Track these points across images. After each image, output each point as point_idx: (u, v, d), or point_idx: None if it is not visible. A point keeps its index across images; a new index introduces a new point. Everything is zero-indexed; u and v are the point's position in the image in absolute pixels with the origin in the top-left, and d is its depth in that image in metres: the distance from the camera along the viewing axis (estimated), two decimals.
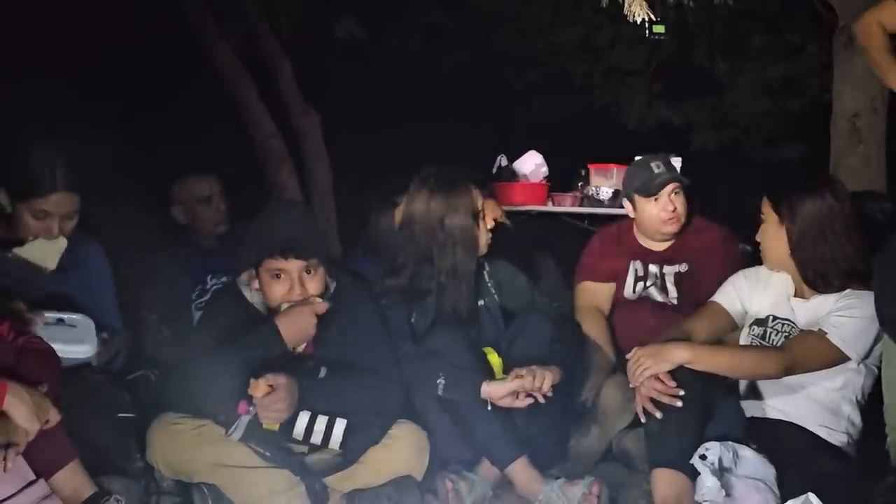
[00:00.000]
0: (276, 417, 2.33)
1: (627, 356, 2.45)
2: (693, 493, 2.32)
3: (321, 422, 2.38)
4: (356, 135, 5.88)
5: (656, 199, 3.03)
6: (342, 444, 2.40)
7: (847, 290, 2.46)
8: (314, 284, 2.47)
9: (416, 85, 6.39)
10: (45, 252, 2.57)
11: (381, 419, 2.46)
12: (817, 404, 2.48)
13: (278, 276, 2.44)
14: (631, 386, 2.43)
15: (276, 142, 5.44)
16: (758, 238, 2.61)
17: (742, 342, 2.64)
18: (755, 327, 2.61)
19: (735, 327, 2.67)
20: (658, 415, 2.36)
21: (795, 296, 2.58)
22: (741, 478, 2.29)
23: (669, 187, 3.03)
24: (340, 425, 2.38)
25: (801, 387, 2.49)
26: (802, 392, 2.49)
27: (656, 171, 3.03)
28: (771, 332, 2.57)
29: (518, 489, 2.56)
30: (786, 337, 2.53)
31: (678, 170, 3.22)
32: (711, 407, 2.46)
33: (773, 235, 2.54)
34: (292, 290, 2.44)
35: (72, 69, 4.53)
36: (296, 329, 2.43)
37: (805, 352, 2.42)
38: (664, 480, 2.36)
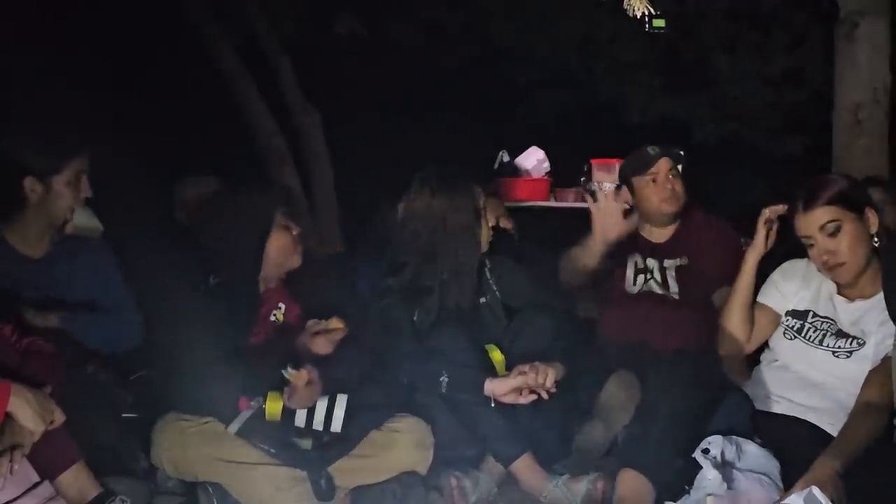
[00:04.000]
0: (305, 404, 2.37)
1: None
2: (652, 500, 2.34)
3: (321, 403, 2.38)
4: (357, 133, 5.89)
5: (654, 181, 3.06)
6: (344, 425, 2.39)
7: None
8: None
9: (417, 81, 6.38)
10: (90, 217, 2.62)
11: (380, 393, 2.48)
12: (840, 407, 2.42)
13: (287, 229, 2.55)
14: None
15: (277, 140, 5.45)
16: (822, 258, 2.41)
17: (775, 332, 2.60)
18: (791, 319, 2.56)
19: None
20: None
21: (838, 293, 2.50)
22: (744, 471, 2.28)
23: (665, 167, 3.06)
24: (341, 402, 2.38)
25: (828, 389, 2.45)
26: (829, 394, 2.44)
27: (651, 151, 3.09)
28: (809, 329, 2.51)
29: (522, 486, 2.56)
30: (822, 336, 2.48)
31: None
32: (709, 407, 2.45)
33: (858, 241, 2.39)
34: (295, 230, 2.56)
35: (71, 69, 4.53)
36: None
37: (886, 392, 2.30)
38: (628, 482, 2.37)
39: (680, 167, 3.14)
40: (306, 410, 2.38)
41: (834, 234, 2.39)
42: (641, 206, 3.13)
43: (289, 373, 2.33)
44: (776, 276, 2.64)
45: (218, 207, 2.61)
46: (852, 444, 2.27)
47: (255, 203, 2.54)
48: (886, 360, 2.32)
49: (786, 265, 2.64)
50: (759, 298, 2.64)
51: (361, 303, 2.66)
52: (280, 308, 2.60)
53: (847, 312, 2.48)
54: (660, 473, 2.36)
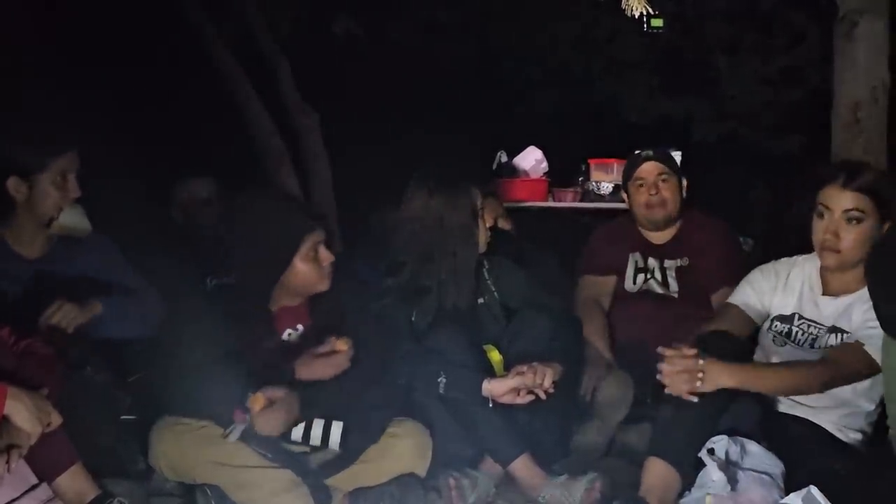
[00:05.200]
0: (273, 430, 2.33)
1: (663, 365, 2.29)
2: (677, 491, 2.32)
3: (317, 426, 2.38)
4: (356, 133, 5.88)
5: (641, 185, 3.07)
6: (341, 445, 2.40)
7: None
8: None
9: (414, 81, 6.38)
10: (77, 217, 2.58)
11: (379, 415, 2.46)
12: (840, 403, 2.43)
13: (315, 256, 2.46)
14: (666, 388, 2.32)
15: (276, 141, 5.44)
16: (825, 235, 2.41)
17: (763, 338, 2.59)
18: (778, 324, 2.55)
19: (755, 327, 2.60)
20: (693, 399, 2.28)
21: (824, 293, 2.50)
22: (746, 471, 2.29)
23: (654, 172, 3.06)
24: (337, 428, 2.38)
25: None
26: (829, 392, 2.42)
27: (642, 155, 3.11)
28: (797, 332, 2.51)
29: (521, 486, 2.55)
30: (812, 339, 2.48)
31: (678, 163, 3.23)
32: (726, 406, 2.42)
33: (864, 241, 2.37)
34: (326, 259, 2.48)
35: (68, 69, 4.52)
36: (313, 376, 2.44)
37: (846, 365, 2.33)
38: (657, 471, 2.34)
39: (678, 175, 3.12)
40: (302, 429, 2.37)
41: (851, 222, 2.38)
42: (632, 210, 3.14)
43: (248, 397, 2.29)
44: (755, 274, 2.63)
45: (249, 214, 2.48)
46: (785, 377, 2.32)
47: (287, 222, 2.44)
48: (858, 343, 2.35)
49: (765, 266, 2.63)
50: (730, 299, 2.63)
51: (370, 319, 2.60)
52: (297, 329, 2.56)
53: (832, 307, 2.48)
54: (687, 464, 2.32)
